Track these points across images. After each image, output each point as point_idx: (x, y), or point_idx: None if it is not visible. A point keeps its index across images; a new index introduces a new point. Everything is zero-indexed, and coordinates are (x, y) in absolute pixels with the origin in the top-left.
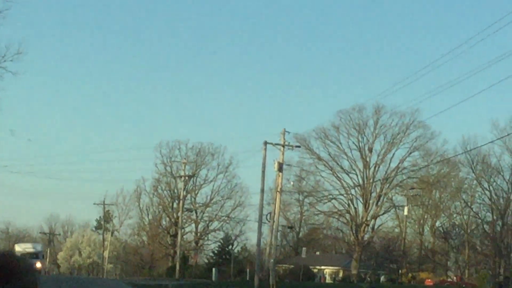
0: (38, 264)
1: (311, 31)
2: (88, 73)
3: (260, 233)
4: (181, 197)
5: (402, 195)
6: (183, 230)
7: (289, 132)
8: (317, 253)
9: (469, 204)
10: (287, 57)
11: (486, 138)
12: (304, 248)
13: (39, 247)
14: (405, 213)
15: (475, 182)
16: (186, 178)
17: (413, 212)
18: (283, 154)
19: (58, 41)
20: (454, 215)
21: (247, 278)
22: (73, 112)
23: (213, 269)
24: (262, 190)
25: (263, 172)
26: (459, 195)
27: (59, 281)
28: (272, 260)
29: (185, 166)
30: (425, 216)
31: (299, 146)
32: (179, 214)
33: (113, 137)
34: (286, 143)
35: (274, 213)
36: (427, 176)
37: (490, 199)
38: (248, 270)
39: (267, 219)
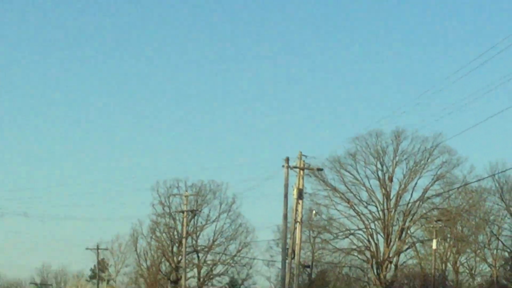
0: None
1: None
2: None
3: (284, 268)
4: (184, 234)
5: (428, 227)
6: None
7: (306, 156)
8: None
9: (497, 236)
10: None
11: None
12: None
13: None
14: (434, 246)
15: (502, 212)
16: (188, 213)
17: (431, 249)
18: (302, 178)
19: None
20: (479, 249)
21: None
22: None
23: None
24: (285, 216)
25: (286, 196)
26: (485, 227)
27: None
28: None
29: (187, 199)
30: (448, 253)
31: (321, 169)
32: (182, 255)
33: (106, 179)
34: (306, 165)
35: (293, 248)
36: (452, 207)
37: None
38: None
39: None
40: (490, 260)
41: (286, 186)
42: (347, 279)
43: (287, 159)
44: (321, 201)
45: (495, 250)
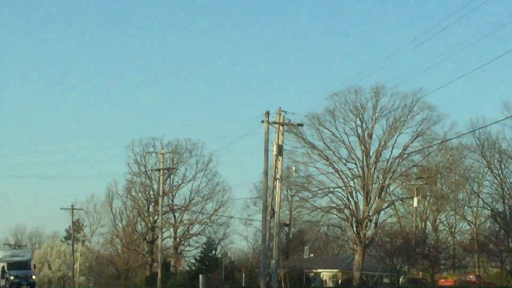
0: (33, 277)
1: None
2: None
3: (265, 226)
4: (160, 193)
5: (407, 185)
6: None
7: (285, 112)
8: (311, 255)
9: (478, 193)
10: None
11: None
12: (306, 247)
13: (28, 255)
14: (415, 204)
15: (482, 169)
16: (165, 171)
17: (411, 207)
18: (282, 134)
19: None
20: (459, 207)
21: (243, 284)
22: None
23: (200, 276)
24: (266, 173)
25: (266, 151)
26: (465, 185)
27: None
28: (274, 262)
29: (163, 157)
30: (427, 211)
31: (301, 125)
32: (158, 214)
33: (80, 138)
34: (286, 121)
35: (272, 206)
36: (432, 165)
37: (501, 188)
38: (243, 274)
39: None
40: (470, 218)
41: (267, 141)
42: (325, 238)
43: (267, 113)
44: (299, 158)
45: (475, 208)
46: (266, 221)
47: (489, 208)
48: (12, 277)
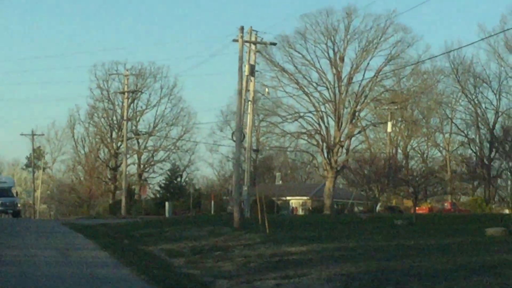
0: (19, 206)
1: None
2: None
3: (238, 151)
4: (125, 117)
5: (379, 110)
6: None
7: (256, 31)
8: (279, 182)
9: (451, 118)
10: None
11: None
12: (278, 174)
13: (11, 181)
14: (389, 129)
15: (456, 94)
16: (129, 94)
17: (381, 133)
18: (254, 54)
19: None
20: (431, 134)
21: (212, 212)
22: None
23: (166, 204)
24: (240, 92)
25: (240, 69)
26: (437, 110)
27: None
28: (245, 188)
29: (127, 79)
30: (398, 137)
31: (275, 44)
32: (122, 140)
33: (40, 59)
34: (259, 39)
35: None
36: (404, 89)
37: (475, 113)
38: (212, 202)
39: (232, 139)
40: (442, 144)
41: (241, 59)
42: (293, 165)
43: (242, 29)
44: (268, 82)
45: (447, 134)
46: (239, 142)
47: (463, 134)
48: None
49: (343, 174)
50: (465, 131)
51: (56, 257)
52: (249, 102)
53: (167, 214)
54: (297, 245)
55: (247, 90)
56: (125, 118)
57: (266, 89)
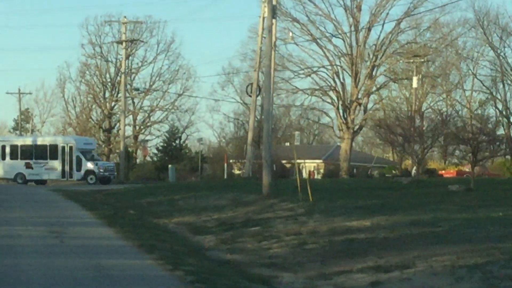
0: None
1: None
2: None
3: (270, 100)
4: (123, 68)
5: (408, 63)
6: (118, 124)
7: None
8: (287, 143)
9: (475, 74)
10: None
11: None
12: (297, 133)
13: (95, 143)
14: (414, 85)
15: (479, 49)
16: (128, 44)
17: (400, 91)
18: None
19: None
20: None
21: (225, 176)
22: None
23: (169, 167)
24: (270, 29)
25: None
26: (458, 66)
27: None
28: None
29: (125, 27)
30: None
31: None
32: (115, 100)
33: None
34: None
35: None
36: (429, 41)
37: (500, 68)
38: (225, 164)
39: (247, 93)
40: (464, 102)
41: None
42: (307, 123)
43: None
44: (277, 34)
45: (469, 92)
46: (269, 89)
47: (488, 91)
48: (101, 170)
49: (376, 131)
50: (490, 88)
51: (48, 238)
52: (272, 48)
53: (170, 179)
54: (356, 218)
55: (270, 32)
56: (122, 70)
57: (290, 34)
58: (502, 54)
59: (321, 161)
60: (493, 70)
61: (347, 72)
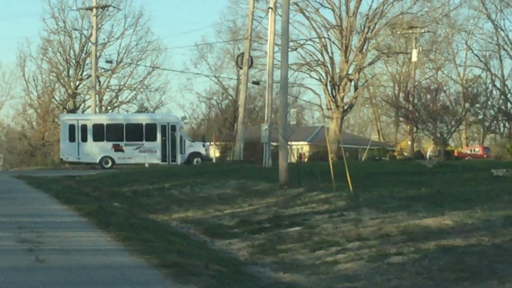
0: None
1: None
2: None
3: (286, 67)
4: (95, 38)
5: (404, 34)
6: (83, 104)
7: None
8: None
9: (469, 46)
10: None
11: None
12: (293, 110)
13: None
14: (414, 58)
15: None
16: (99, 10)
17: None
18: None
19: None
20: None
21: (213, 160)
22: None
23: None
24: None
25: None
26: (450, 41)
27: None
28: (266, 127)
29: None
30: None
31: None
32: (79, 80)
33: None
34: None
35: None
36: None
37: (496, 39)
38: (214, 146)
39: (237, 65)
40: (455, 77)
41: None
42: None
43: None
44: (260, 5)
45: (461, 68)
46: (286, 55)
47: (482, 66)
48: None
49: (394, 107)
50: (485, 59)
51: (16, 254)
52: (270, 10)
53: (146, 164)
54: (424, 214)
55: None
56: (94, 41)
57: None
58: (499, 25)
59: (305, 143)
60: (489, 44)
61: (336, 45)
